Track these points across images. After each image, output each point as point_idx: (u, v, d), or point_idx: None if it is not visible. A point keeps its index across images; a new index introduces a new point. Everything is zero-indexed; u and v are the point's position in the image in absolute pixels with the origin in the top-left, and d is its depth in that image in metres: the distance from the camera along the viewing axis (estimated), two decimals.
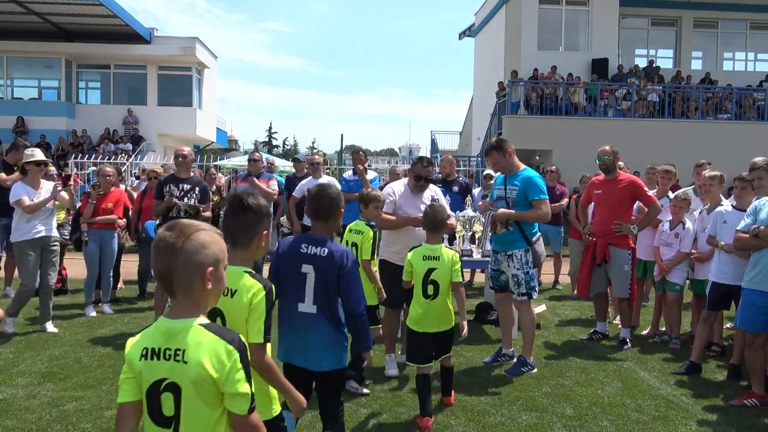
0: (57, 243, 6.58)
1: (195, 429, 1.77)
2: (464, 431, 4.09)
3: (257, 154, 8.57)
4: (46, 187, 6.46)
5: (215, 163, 21.18)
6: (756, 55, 23.44)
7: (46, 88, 25.38)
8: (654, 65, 21.42)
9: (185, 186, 6.38)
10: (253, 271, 2.48)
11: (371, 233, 4.84)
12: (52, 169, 7.79)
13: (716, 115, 19.19)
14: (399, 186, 5.39)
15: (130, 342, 1.85)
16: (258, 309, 2.37)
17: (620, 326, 6.41)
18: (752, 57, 23.44)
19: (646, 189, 6.37)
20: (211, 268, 1.80)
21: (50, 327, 6.44)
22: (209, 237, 1.84)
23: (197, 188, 6.44)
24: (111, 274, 7.62)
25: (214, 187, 9.36)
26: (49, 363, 5.36)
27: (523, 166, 5.46)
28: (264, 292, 2.39)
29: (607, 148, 6.31)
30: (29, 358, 5.51)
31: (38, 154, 6.54)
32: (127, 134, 24.01)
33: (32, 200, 6.29)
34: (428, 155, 28.98)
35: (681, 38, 22.29)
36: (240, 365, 1.76)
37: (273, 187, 8.15)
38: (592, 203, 6.61)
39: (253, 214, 2.55)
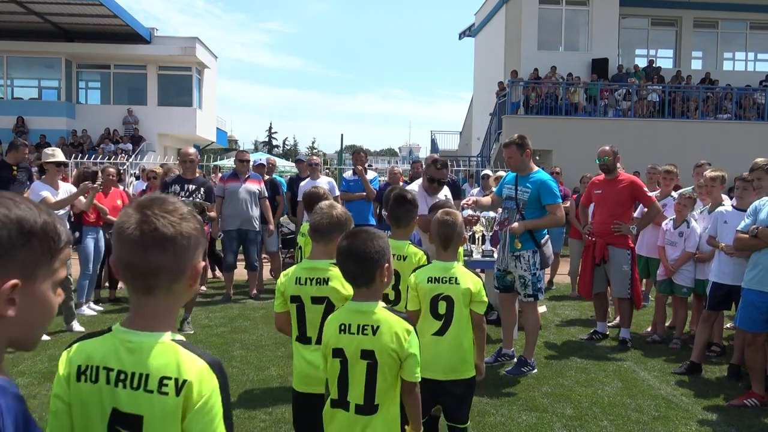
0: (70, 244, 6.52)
1: (459, 321, 3.19)
2: None
3: (247, 154, 8.49)
4: (64, 188, 6.42)
5: (215, 163, 21.18)
6: (756, 55, 23.43)
7: (46, 88, 25.37)
8: (654, 65, 21.42)
9: (190, 186, 6.41)
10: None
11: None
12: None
13: (716, 115, 19.19)
14: (414, 187, 5.35)
15: (414, 275, 3.28)
16: None
17: (620, 326, 6.40)
18: (752, 57, 23.42)
19: (645, 189, 6.37)
20: (465, 236, 3.45)
21: (77, 326, 6.42)
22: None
23: (202, 188, 6.47)
24: (98, 271, 7.64)
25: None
26: (49, 363, 5.35)
27: (536, 168, 5.42)
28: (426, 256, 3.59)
29: (607, 148, 6.31)
30: (29, 358, 5.50)
31: (59, 155, 6.49)
32: (127, 134, 24.00)
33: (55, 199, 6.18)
34: (428, 155, 29.00)
35: (681, 38, 22.28)
36: (485, 289, 3.26)
37: (262, 188, 8.11)
38: (593, 203, 6.61)
39: (412, 205, 3.65)
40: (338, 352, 2.32)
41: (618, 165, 6.38)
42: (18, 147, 7.90)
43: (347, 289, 2.72)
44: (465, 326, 3.23)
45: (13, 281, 1.07)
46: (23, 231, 1.10)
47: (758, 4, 21.49)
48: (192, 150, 6.64)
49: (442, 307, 3.20)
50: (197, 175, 6.71)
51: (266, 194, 8.13)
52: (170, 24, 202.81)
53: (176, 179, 6.54)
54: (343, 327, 2.32)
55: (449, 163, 7.53)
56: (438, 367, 3.16)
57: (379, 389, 2.29)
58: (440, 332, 3.21)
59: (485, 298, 3.26)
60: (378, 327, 2.28)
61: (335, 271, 2.73)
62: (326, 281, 2.81)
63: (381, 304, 2.35)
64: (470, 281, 3.22)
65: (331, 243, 2.79)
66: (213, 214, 6.58)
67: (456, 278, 3.21)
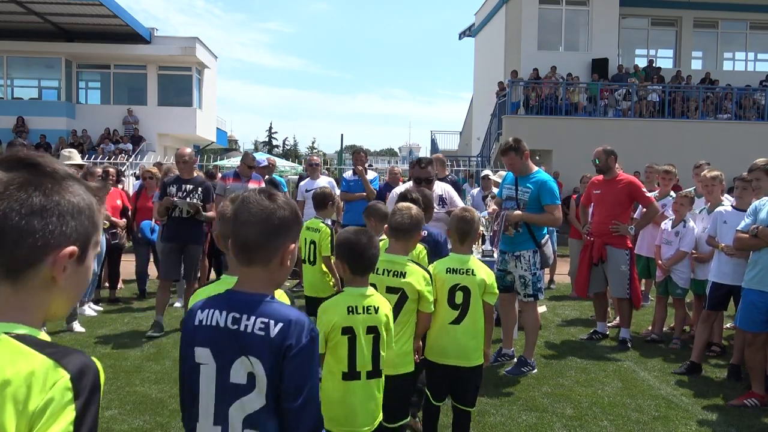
0: None
1: (474, 310, 3.42)
2: None
3: (255, 161, 8.46)
4: None
5: (215, 163, 21.16)
6: (756, 55, 23.42)
7: (46, 88, 25.33)
8: (654, 65, 21.41)
9: (188, 186, 6.42)
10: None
11: (328, 230, 5.16)
12: None
13: (716, 115, 19.18)
14: (402, 190, 5.34)
15: (432, 266, 3.48)
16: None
17: (620, 326, 6.40)
18: (752, 57, 23.42)
19: (644, 190, 6.38)
20: (481, 232, 3.89)
21: (77, 327, 6.46)
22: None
23: (200, 188, 6.47)
24: (98, 272, 7.64)
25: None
26: None
27: (536, 168, 5.42)
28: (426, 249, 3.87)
29: (600, 149, 6.34)
30: None
31: (75, 157, 6.60)
32: (127, 134, 23.98)
33: None
34: (428, 155, 29.01)
35: (681, 38, 22.28)
36: (496, 281, 3.52)
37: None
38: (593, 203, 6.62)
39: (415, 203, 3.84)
40: (348, 330, 2.64)
41: (617, 165, 6.38)
42: (15, 147, 7.93)
43: (420, 284, 3.17)
44: (479, 316, 3.46)
45: (293, 245, 1.73)
46: (296, 213, 1.74)
47: (758, 4, 21.49)
48: (188, 150, 6.65)
49: (459, 297, 3.43)
50: (195, 174, 6.71)
51: None
52: (170, 24, 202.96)
53: (175, 179, 6.55)
54: (350, 308, 2.66)
55: (449, 163, 7.46)
56: (454, 354, 3.43)
57: (382, 356, 2.74)
58: (457, 321, 3.43)
59: (497, 290, 3.54)
60: (378, 307, 2.70)
61: (412, 267, 3.19)
62: (403, 275, 3.16)
63: (371, 288, 2.78)
64: (485, 273, 3.49)
65: (411, 240, 3.27)
66: (211, 213, 6.58)
67: (472, 270, 3.46)
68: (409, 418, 3.25)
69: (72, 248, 1.06)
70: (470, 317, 3.43)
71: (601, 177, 6.41)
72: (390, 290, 3.12)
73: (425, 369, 3.59)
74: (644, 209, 6.38)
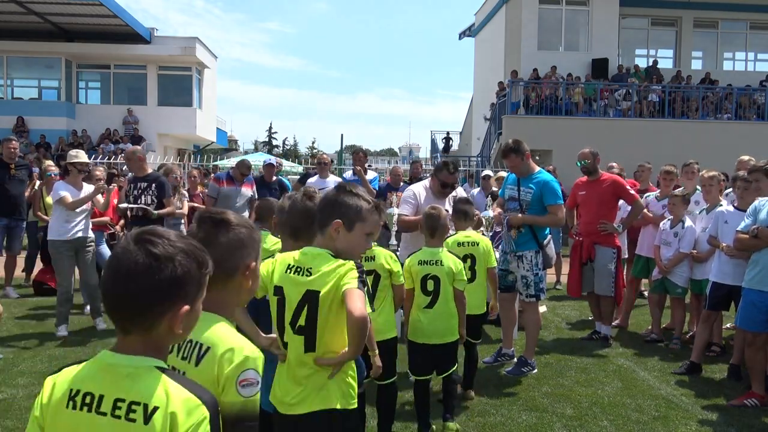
0: (92, 244, 6.61)
1: (444, 295, 3.91)
2: (464, 431, 4.09)
3: (250, 169, 8.47)
4: (86, 188, 6.53)
5: (215, 163, 21.15)
6: (756, 55, 23.41)
7: (46, 88, 25.32)
8: (654, 65, 21.41)
9: (142, 184, 6.51)
10: None
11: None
12: (54, 168, 7.81)
13: (716, 115, 19.18)
14: (420, 188, 5.28)
15: (408, 259, 4.05)
16: None
17: (619, 325, 6.42)
18: (752, 57, 23.41)
19: (628, 187, 6.43)
20: (448, 227, 4.31)
21: (101, 324, 6.53)
22: None
23: (153, 184, 6.52)
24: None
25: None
26: (49, 363, 5.35)
27: (538, 169, 5.40)
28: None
29: (586, 150, 6.42)
30: (29, 358, 5.51)
31: (82, 156, 6.62)
32: (127, 134, 23.97)
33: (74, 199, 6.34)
34: (428, 155, 29.00)
35: (681, 38, 22.27)
36: (464, 269, 4.04)
37: (254, 191, 8.18)
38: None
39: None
40: None
41: (617, 165, 6.43)
42: (2, 142, 8.00)
43: (389, 263, 3.70)
44: (449, 300, 3.94)
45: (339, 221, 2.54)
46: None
47: (758, 4, 21.48)
48: (137, 148, 6.79)
49: (430, 285, 3.93)
50: (149, 171, 6.75)
51: (256, 197, 8.14)
52: (170, 24, 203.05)
53: (132, 179, 6.66)
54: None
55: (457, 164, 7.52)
56: (431, 333, 3.94)
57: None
58: (430, 306, 3.94)
59: (464, 277, 4.00)
60: (374, 256, 3.61)
61: (378, 250, 3.69)
62: (372, 258, 3.68)
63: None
64: (452, 263, 3.94)
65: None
66: (167, 209, 6.62)
67: (441, 261, 3.94)
68: (396, 377, 3.76)
69: (338, 222, 2.43)
70: (441, 301, 3.92)
71: (585, 178, 6.49)
72: (365, 273, 3.53)
73: (408, 349, 4.09)
74: (643, 207, 6.43)
